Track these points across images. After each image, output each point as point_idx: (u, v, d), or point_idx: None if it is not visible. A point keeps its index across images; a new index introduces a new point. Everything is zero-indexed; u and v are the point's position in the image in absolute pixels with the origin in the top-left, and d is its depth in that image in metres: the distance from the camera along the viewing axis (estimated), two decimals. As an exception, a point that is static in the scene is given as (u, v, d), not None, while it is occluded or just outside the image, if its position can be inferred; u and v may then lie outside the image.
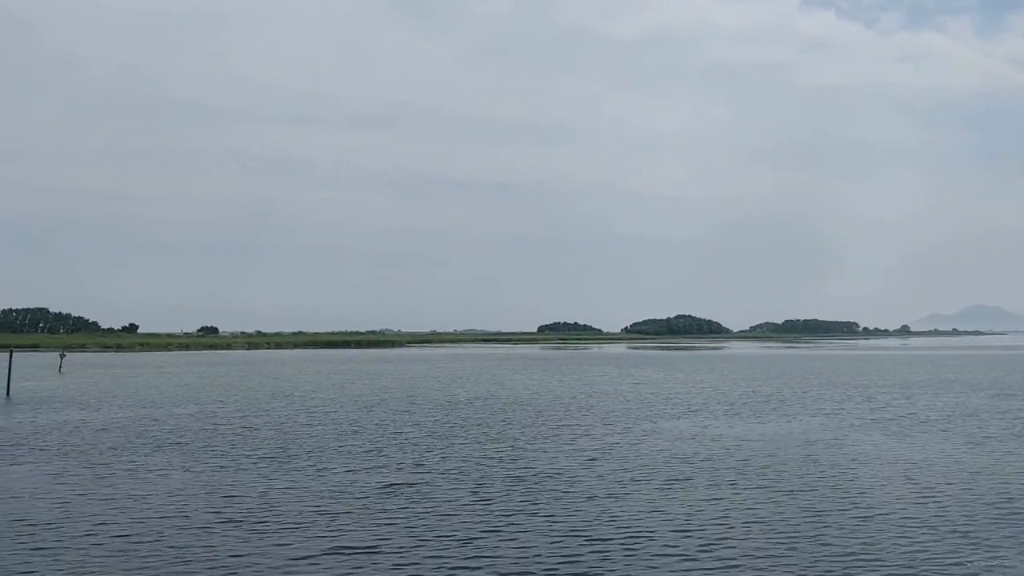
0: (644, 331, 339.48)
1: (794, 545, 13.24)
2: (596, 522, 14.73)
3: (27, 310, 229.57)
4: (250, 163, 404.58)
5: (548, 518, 15.02)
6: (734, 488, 17.69)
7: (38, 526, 14.45)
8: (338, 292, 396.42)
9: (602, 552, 12.87)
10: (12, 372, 47.43)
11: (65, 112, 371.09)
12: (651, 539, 13.58)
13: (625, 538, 13.65)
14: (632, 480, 18.60)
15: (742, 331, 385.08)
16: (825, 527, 14.38)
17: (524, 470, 19.84)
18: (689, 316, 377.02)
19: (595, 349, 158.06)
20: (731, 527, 14.37)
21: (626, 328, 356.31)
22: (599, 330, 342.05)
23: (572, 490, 17.47)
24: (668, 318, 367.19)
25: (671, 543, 13.34)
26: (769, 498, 16.69)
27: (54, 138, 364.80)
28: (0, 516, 15.16)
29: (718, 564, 12.25)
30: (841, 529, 14.27)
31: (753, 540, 13.52)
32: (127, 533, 13.94)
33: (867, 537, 13.74)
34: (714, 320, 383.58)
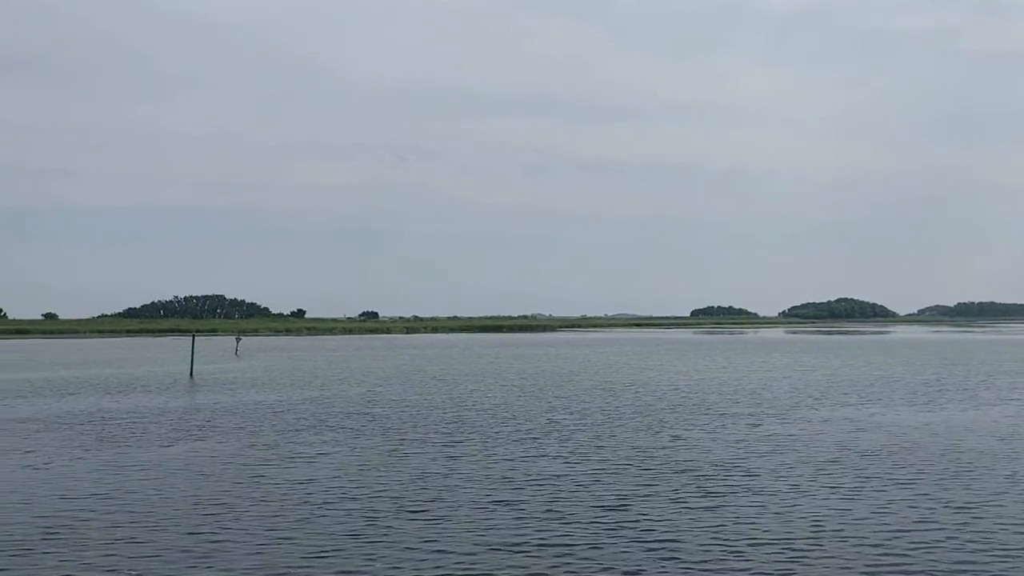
0: (803, 315, 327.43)
1: (1014, 557, 11.80)
2: (781, 520, 13.69)
3: (205, 297, 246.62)
4: (407, 155, 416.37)
5: (728, 514, 14.10)
6: (939, 486, 16.09)
7: (216, 504, 14.88)
8: (489, 277, 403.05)
9: (791, 553, 11.88)
10: (194, 355, 50.50)
11: (245, 106, 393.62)
12: (845, 544, 12.44)
13: (815, 540, 12.57)
14: (816, 475, 17.33)
15: (909, 314, 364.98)
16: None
17: (697, 461, 18.91)
18: (851, 299, 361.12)
19: (751, 334, 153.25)
20: (936, 531, 12.99)
21: (784, 312, 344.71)
22: (755, 314, 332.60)
23: (751, 484, 16.42)
24: (829, 301, 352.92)
25: (867, 549, 12.17)
26: (978, 499, 15.07)
27: (234, 132, 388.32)
28: (182, 493, 15.75)
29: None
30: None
31: (963, 550, 12.15)
32: (300, 515, 14.09)
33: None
34: (878, 303, 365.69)
